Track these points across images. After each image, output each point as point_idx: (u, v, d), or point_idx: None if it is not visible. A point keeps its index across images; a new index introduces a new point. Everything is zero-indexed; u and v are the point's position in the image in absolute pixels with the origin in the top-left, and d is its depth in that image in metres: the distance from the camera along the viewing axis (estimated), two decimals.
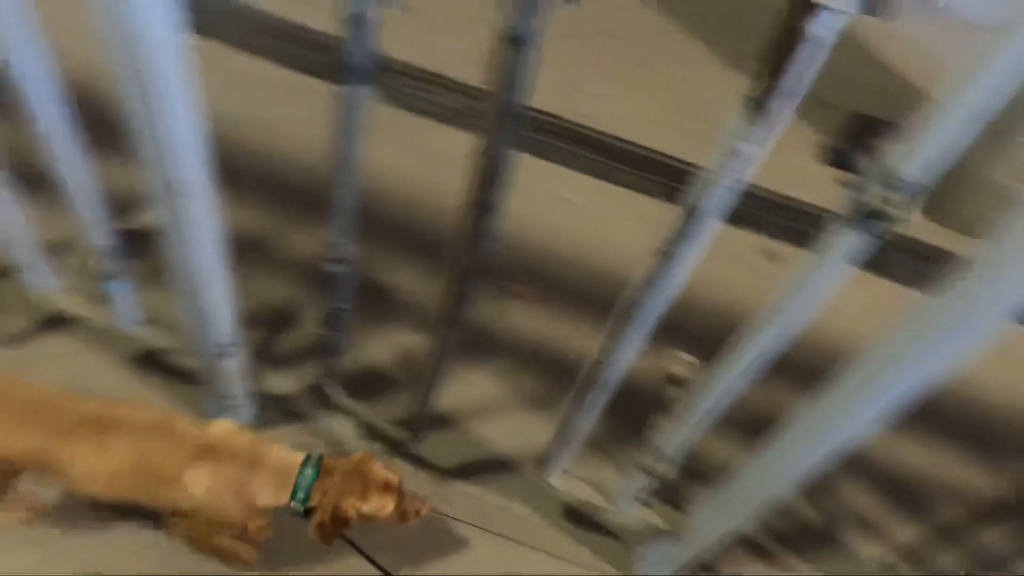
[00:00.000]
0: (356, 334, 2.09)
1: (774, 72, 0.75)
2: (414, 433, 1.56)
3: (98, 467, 1.25)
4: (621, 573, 1.85)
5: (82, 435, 1.24)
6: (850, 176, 0.90)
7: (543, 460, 1.52)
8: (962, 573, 1.65)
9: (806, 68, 0.75)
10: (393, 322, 2.21)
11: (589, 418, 1.34)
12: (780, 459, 1.29)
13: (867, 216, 0.84)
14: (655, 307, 1.06)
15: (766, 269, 2.88)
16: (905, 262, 3.14)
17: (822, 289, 0.95)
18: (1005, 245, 0.81)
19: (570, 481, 1.60)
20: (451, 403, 2.06)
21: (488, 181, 0.92)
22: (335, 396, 1.74)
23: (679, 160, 3.26)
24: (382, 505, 1.36)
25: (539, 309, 2.45)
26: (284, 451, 1.36)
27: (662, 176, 3.18)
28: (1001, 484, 2.45)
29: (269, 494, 1.32)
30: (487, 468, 1.96)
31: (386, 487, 1.38)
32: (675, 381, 1.50)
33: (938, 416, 2.61)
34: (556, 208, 2.90)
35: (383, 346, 2.13)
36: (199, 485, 1.28)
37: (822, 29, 0.71)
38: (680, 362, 1.48)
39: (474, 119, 0.88)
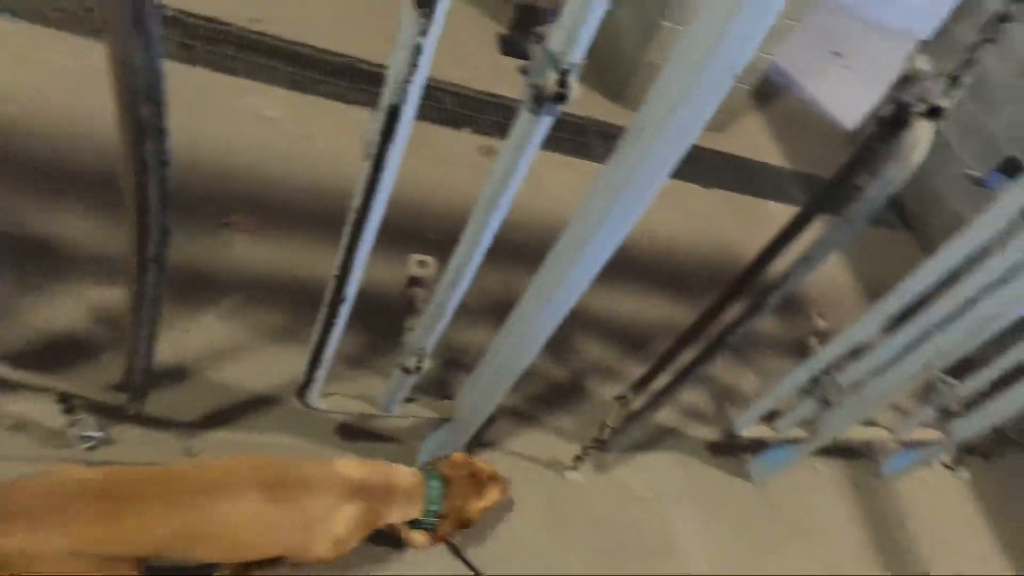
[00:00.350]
0: (22, 299, 1.84)
1: None
2: (137, 394, 1.43)
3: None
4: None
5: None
6: (525, 63, 0.97)
7: (302, 387, 1.50)
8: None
9: None
10: (75, 278, 1.96)
11: (337, 335, 1.34)
12: (520, 331, 1.43)
13: (541, 98, 0.92)
14: (374, 215, 1.07)
15: (488, 166, 3.05)
16: (597, 142, 3.54)
17: (519, 173, 1.04)
18: (645, 114, 0.95)
19: (335, 400, 1.62)
20: (179, 353, 1.93)
21: (137, 98, 0.81)
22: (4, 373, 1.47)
23: (377, 64, 3.22)
24: (495, 497, 1.53)
25: (263, 237, 2.33)
26: (404, 469, 1.46)
27: (362, 82, 3.11)
28: (693, 313, 3.00)
29: (400, 513, 1.41)
30: (242, 410, 1.90)
31: (493, 479, 1.55)
32: (416, 282, 1.55)
33: (638, 267, 3.08)
34: (259, 128, 2.71)
35: (70, 306, 1.90)
36: (345, 523, 1.29)
37: None
38: (417, 264, 1.53)
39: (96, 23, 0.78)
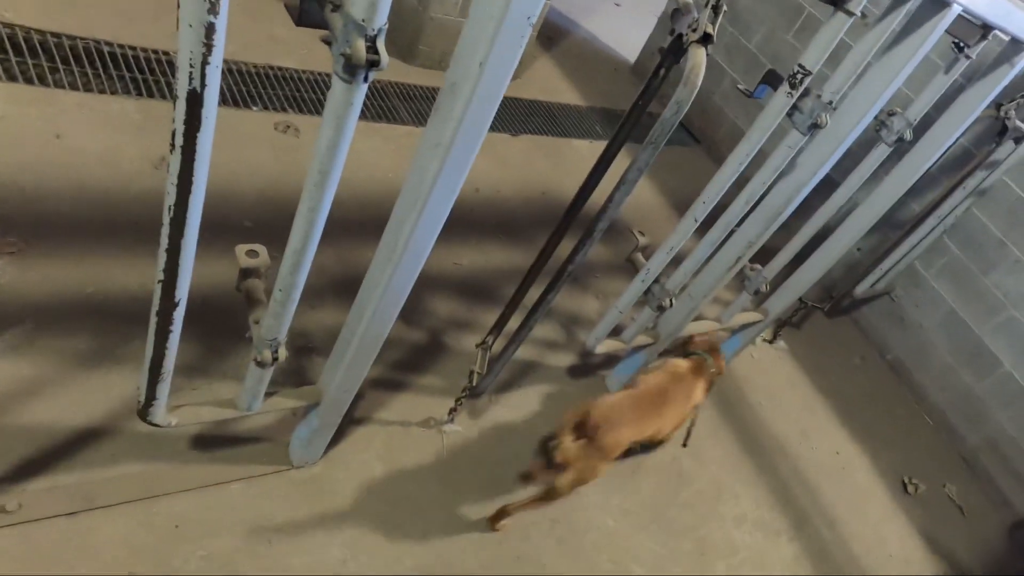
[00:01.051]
0: None
1: None
2: None
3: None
4: (282, 467, 1.91)
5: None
6: (325, 33, 0.95)
7: (145, 406, 1.40)
8: None
9: None
10: None
11: (175, 344, 1.26)
12: (374, 301, 1.43)
13: (353, 66, 0.92)
14: (194, 209, 1.01)
15: (288, 142, 2.91)
16: (399, 104, 3.50)
17: (345, 144, 1.02)
18: (457, 71, 0.98)
19: (186, 412, 1.52)
20: None
21: None
22: None
23: (127, 46, 2.90)
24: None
25: (33, 257, 2.04)
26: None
27: (113, 68, 2.75)
28: (530, 253, 3.13)
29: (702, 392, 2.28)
30: (66, 451, 1.72)
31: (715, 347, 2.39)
32: (250, 274, 1.49)
33: (471, 219, 3.15)
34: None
35: None
36: (701, 392, 2.26)
37: None
38: (247, 254, 1.47)
39: None
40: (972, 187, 2.95)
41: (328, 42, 0.96)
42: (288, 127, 2.95)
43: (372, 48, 0.90)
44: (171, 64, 2.87)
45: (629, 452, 2.14)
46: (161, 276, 1.11)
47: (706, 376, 2.26)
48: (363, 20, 0.88)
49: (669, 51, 1.32)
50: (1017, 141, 2.59)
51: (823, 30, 1.52)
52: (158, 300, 1.16)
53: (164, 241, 1.06)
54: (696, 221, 1.90)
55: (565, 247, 1.78)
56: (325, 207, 1.12)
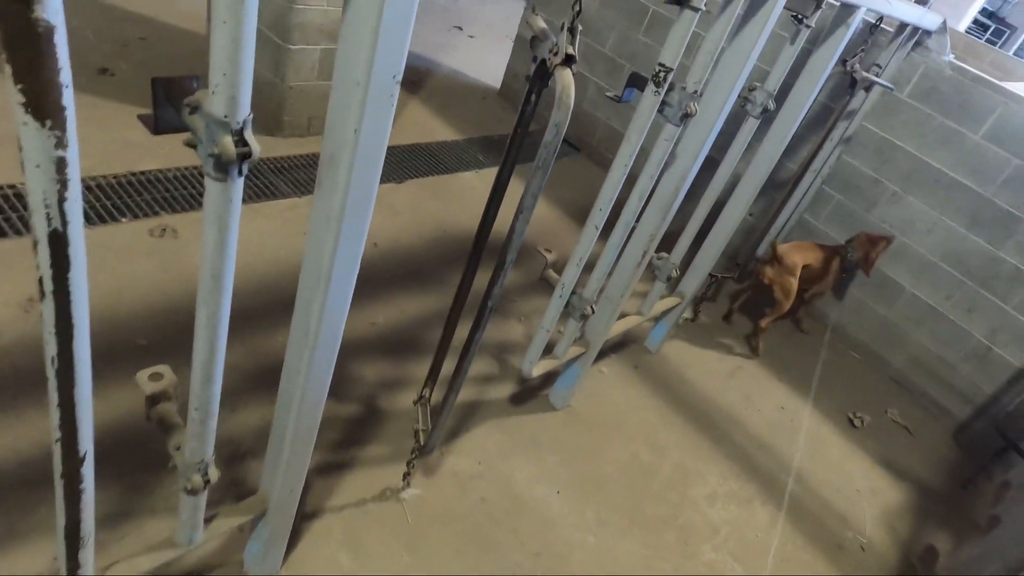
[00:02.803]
0: None
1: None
2: None
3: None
4: None
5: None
6: (187, 136, 0.89)
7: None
8: None
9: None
10: None
11: (91, 501, 1.15)
12: (299, 386, 1.36)
13: (224, 164, 0.87)
14: (81, 355, 0.93)
15: (168, 245, 2.76)
16: (274, 179, 3.41)
17: (233, 241, 0.97)
18: (333, 141, 0.95)
19: (122, 567, 1.39)
20: None
21: None
22: None
23: None
24: None
25: None
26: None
27: None
28: (445, 294, 3.10)
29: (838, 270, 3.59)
30: None
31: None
32: (158, 399, 1.38)
33: (378, 274, 3.09)
34: None
35: None
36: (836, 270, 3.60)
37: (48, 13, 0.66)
38: (150, 379, 1.36)
39: None
40: (838, 137, 3.16)
41: (192, 145, 0.91)
42: (164, 230, 2.79)
43: (240, 141, 0.85)
44: (19, 197, 2.66)
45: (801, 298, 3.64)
46: (58, 435, 1.01)
47: (843, 259, 3.52)
48: (225, 116, 0.83)
49: (536, 77, 1.34)
50: (867, 89, 2.79)
51: (675, 28, 1.59)
52: (60, 461, 1.05)
53: (54, 396, 0.96)
54: (597, 228, 1.93)
55: (480, 278, 1.77)
56: (225, 311, 1.05)
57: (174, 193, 3.01)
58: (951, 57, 3.51)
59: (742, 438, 3.06)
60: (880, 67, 3.13)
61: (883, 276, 3.89)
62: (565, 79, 1.21)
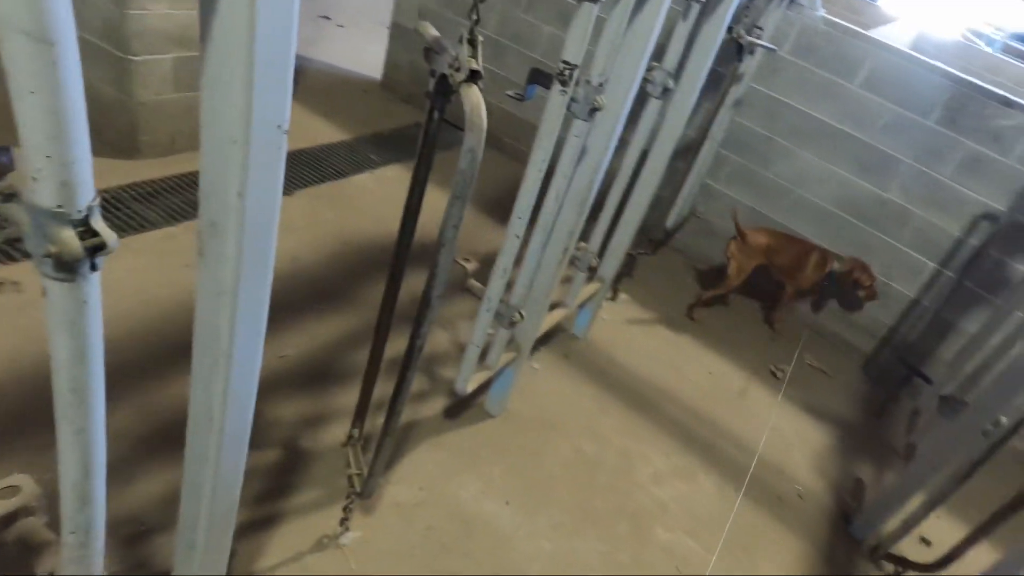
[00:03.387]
0: None
1: None
2: None
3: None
4: None
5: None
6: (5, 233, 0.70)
7: None
8: None
9: None
10: None
11: None
12: (207, 480, 1.19)
13: (70, 263, 0.69)
14: None
15: (10, 302, 2.37)
16: (140, 206, 3.07)
17: (92, 349, 0.79)
18: (214, 210, 0.78)
19: None
20: None
21: None
22: None
23: None
24: None
25: None
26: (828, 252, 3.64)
27: None
28: (366, 312, 2.91)
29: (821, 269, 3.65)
30: None
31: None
32: (14, 518, 1.17)
33: (289, 300, 2.86)
34: None
35: None
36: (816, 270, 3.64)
37: None
38: (6, 493, 1.15)
39: None
40: (731, 102, 3.18)
41: (14, 239, 0.72)
42: (1, 284, 2.42)
43: (87, 231, 0.68)
44: None
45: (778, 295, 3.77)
46: None
47: (831, 263, 3.53)
48: (60, 207, 0.65)
49: (436, 93, 1.20)
50: (751, 52, 2.81)
51: (575, 22, 1.49)
52: None
53: None
54: (518, 238, 1.82)
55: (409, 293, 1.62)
56: (97, 423, 0.87)
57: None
58: (823, 12, 3.60)
59: (677, 411, 3.08)
60: (761, 29, 3.17)
61: (785, 229, 4.01)
62: (473, 98, 1.08)
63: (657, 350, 3.44)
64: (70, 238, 0.67)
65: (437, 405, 2.61)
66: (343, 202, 3.62)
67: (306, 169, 3.79)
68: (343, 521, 1.96)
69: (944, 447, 2.73)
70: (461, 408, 2.63)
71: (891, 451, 3.38)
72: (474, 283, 2.04)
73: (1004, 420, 2.49)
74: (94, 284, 0.74)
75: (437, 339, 2.93)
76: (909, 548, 2.68)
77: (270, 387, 2.41)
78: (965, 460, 2.46)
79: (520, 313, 2.06)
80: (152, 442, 2.07)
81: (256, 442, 1.28)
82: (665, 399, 3.12)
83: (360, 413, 1.81)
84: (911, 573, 2.51)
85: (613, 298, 3.65)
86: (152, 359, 2.33)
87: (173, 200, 3.14)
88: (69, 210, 0.66)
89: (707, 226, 4.24)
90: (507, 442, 2.56)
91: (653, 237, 3.65)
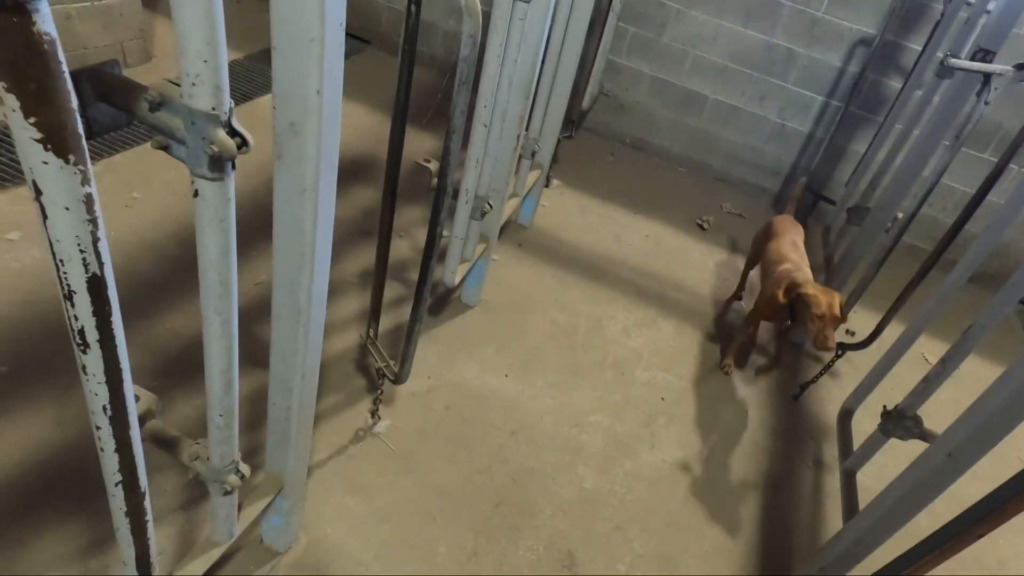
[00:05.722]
0: None
1: None
2: None
3: None
4: (273, 561, 1.80)
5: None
6: (161, 139, 0.84)
7: None
8: None
9: None
10: None
11: (151, 528, 1.12)
12: (296, 371, 1.36)
13: (224, 160, 0.83)
14: (130, 408, 0.89)
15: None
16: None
17: (233, 245, 0.94)
18: (286, 109, 0.91)
19: (186, 568, 1.38)
20: None
21: None
22: None
23: None
24: None
25: None
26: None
27: None
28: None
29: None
30: None
31: None
32: (144, 418, 1.32)
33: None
34: None
35: None
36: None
37: None
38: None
39: None
40: None
41: (163, 147, 0.85)
42: None
43: (233, 131, 0.82)
44: None
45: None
46: (118, 477, 0.97)
47: (796, 292, 2.50)
48: (213, 109, 0.79)
49: None
50: None
51: None
52: (123, 500, 1.01)
53: (109, 443, 0.92)
54: (486, 127, 1.98)
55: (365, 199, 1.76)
56: (235, 315, 1.03)
57: None
58: None
59: (628, 273, 3.40)
60: None
61: (687, 91, 4.29)
62: None
63: (596, 225, 3.72)
64: (226, 139, 0.81)
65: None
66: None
67: None
68: (374, 413, 2.17)
69: (856, 249, 3.18)
70: (441, 305, 2.83)
71: (812, 269, 3.86)
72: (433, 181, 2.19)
73: (900, 215, 2.93)
74: (232, 182, 0.88)
75: (396, 247, 3.08)
76: (839, 339, 3.15)
77: (257, 313, 2.52)
78: (875, 256, 2.90)
79: (489, 203, 2.25)
80: (167, 373, 2.16)
81: (263, 362, 1.45)
82: (615, 265, 3.43)
83: (375, 314, 1.98)
84: (848, 354, 2.98)
85: (547, 185, 3.87)
86: (135, 298, 2.38)
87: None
88: (220, 112, 0.80)
89: (617, 102, 4.47)
90: (490, 326, 2.81)
91: (573, 120, 3.85)
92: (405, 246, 3.10)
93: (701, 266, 3.65)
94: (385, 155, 2.12)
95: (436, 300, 2.84)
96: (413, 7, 1.38)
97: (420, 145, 3.85)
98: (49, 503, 1.74)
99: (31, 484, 1.77)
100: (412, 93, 1.52)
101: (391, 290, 2.84)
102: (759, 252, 3.05)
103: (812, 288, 2.46)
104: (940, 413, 2.25)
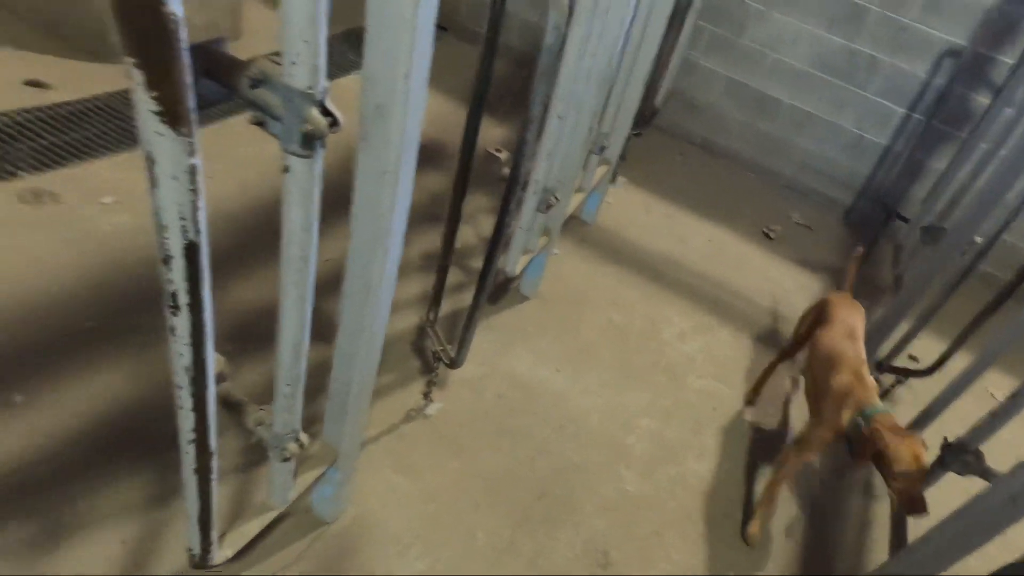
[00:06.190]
0: None
1: None
2: None
3: None
4: (319, 530, 1.85)
5: None
6: (258, 115, 0.87)
7: (200, 558, 1.30)
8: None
9: None
10: None
11: (216, 490, 1.17)
12: (361, 347, 1.39)
13: (314, 137, 0.86)
14: (209, 368, 0.93)
15: (51, 213, 2.42)
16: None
17: (315, 220, 0.97)
18: (374, 91, 0.93)
19: (230, 540, 1.44)
20: None
21: None
22: None
23: None
24: None
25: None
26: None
27: None
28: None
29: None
30: None
31: None
32: (217, 380, 1.37)
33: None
34: None
35: None
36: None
37: None
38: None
39: None
40: None
41: (259, 123, 0.89)
42: (38, 193, 2.41)
43: (325, 111, 0.85)
44: None
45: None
46: (192, 436, 1.02)
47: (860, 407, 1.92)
48: (309, 88, 0.82)
49: None
50: None
51: None
52: (194, 459, 1.06)
53: (187, 401, 0.97)
54: (561, 119, 1.97)
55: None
56: (311, 289, 1.06)
57: (36, 144, 2.55)
58: None
59: (688, 276, 3.36)
60: None
61: (762, 95, 4.19)
62: None
63: (659, 225, 3.68)
64: (318, 117, 0.83)
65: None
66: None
67: None
68: (427, 395, 2.21)
69: (928, 271, 3.06)
70: (500, 293, 2.85)
71: (878, 289, 3.73)
72: (506, 172, 2.20)
73: (978, 239, 2.81)
74: (320, 160, 0.91)
75: (460, 233, 3.10)
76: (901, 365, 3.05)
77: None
78: (947, 280, 2.78)
79: (556, 196, 2.25)
80: (242, 339, 2.22)
81: (327, 337, 1.48)
82: (675, 268, 3.38)
83: (436, 299, 2.01)
84: (910, 380, 2.87)
85: (612, 181, 3.84)
86: (228, 258, 2.47)
87: None
88: (316, 92, 0.82)
89: (689, 101, 4.40)
90: (546, 319, 2.81)
91: (643, 117, 3.80)
92: (468, 232, 3.13)
93: (763, 276, 3.57)
94: (455, 142, 2.14)
95: (495, 289, 2.86)
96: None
97: (490, 133, 3.87)
98: (122, 454, 1.83)
99: (106, 434, 1.87)
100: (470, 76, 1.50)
101: (452, 275, 2.87)
102: (805, 337, 2.41)
103: (889, 435, 1.80)
104: (1003, 452, 2.16)
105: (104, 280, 2.29)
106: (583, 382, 2.58)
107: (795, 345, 2.53)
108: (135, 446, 1.86)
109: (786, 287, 3.53)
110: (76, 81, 3.02)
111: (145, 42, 0.60)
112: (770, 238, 3.90)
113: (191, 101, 0.67)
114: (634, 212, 3.72)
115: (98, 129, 2.85)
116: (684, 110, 4.44)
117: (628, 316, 2.98)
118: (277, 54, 0.81)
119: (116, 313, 2.19)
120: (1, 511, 1.64)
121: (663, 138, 4.53)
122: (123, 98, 3.06)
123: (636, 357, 2.78)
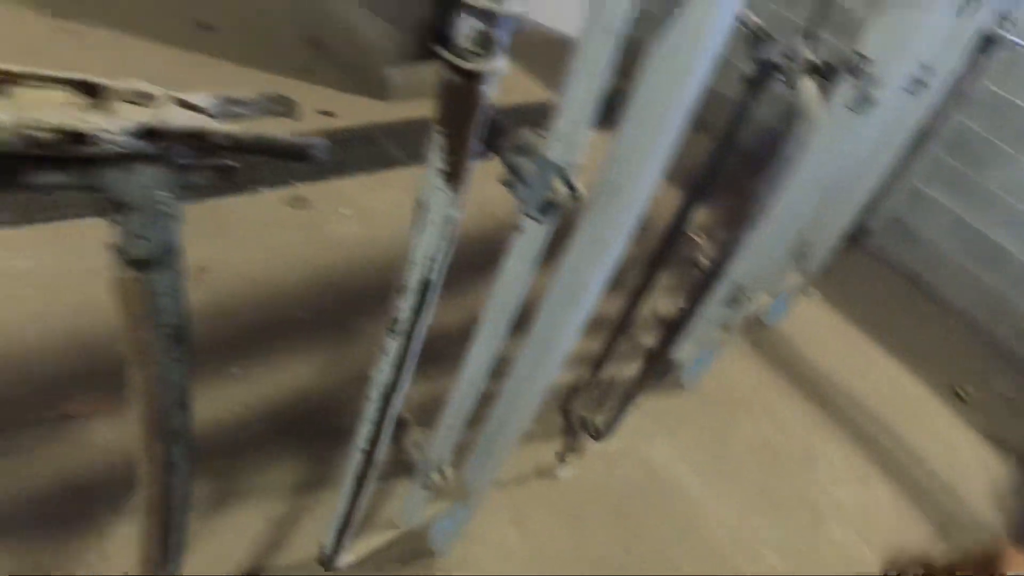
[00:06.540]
0: None
1: None
2: None
3: None
4: (429, 559, 1.89)
5: None
6: (510, 177, 0.93)
7: (328, 558, 1.37)
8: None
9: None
10: None
11: (367, 495, 1.24)
12: (523, 398, 1.42)
13: (551, 206, 0.91)
14: (402, 387, 0.99)
15: (307, 218, 2.82)
16: (394, 147, 3.42)
17: (527, 278, 1.01)
18: (617, 172, 0.96)
19: (361, 546, 1.50)
20: None
21: (170, 408, 0.70)
22: None
23: None
24: None
25: (119, 410, 1.88)
26: None
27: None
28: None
29: None
30: None
31: None
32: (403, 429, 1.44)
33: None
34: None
35: None
36: None
37: None
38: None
39: None
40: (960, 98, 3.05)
41: (508, 184, 0.95)
42: (299, 200, 2.89)
43: (570, 185, 0.89)
44: None
45: None
46: (366, 446, 1.09)
47: None
48: (563, 162, 0.86)
49: (756, 82, 1.34)
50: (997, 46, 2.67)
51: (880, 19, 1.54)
52: (360, 466, 1.13)
53: (373, 415, 1.04)
54: (776, 223, 1.92)
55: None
56: (501, 337, 1.11)
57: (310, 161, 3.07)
58: None
59: (859, 415, 3.08)
60: (1012, 23, 2.99)
61: (990, 242, 3.79)
62: (810, 91, 1.21)
63: (843, 351, 3.42)
64: (563, 188, 0.88)
65: (629, 370, 2.78)
66: None
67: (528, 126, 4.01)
68: (562, 456, 2.20)
69: None
70: (660, 377, 2.78)
71: None
72: (702, 260, 2.17)
73: None
74: (551, 226, 0.96)
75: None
76: None
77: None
78: None
79: (747, 295, 2.18)
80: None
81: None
82: (847, 401, 3.12)
83: (598, 366, 2.01)
84: None
85: (807, 294, 3.65)
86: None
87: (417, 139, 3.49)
88: (568, 166, 0.87)
89: (908, 231, 4.09)
90: (698, 416, 2.70)
91: (853, 234, 3.59)
92: (650, 305, 3.10)
93: (944, 440, 3.17)
94: (655, 215, 2.14)
95: (655, 370, 2.80)
96: (748, 99, 1.39)
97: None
98: (291, 437, 2.00)
99: (287, 416, 2.05)
100: (693, 162, 1.50)
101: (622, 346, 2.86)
102: None
103: None
104: None
105: (325, 279, 2.55)
106: (718, 493, 2.44)
107: None
108: (303, 432, 2.02)
109: (966, 460, 3.12)
110: (353, 112, 3.55)
111: (457, 119, 0.67)
112: (963, 400, 3.48)
113: (471, 166, 0.74)
114: (818, 329, 3.49)
115: (356, 153, 3.35)
116: (900, 238, 4.13)
117: (784, 437, 2.79)
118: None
119: (327, 310, 2.42)
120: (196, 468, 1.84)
121: (870, 262, 4.23)
122: (380, 129, 3.56)
123: (782, 485, 2.59)
